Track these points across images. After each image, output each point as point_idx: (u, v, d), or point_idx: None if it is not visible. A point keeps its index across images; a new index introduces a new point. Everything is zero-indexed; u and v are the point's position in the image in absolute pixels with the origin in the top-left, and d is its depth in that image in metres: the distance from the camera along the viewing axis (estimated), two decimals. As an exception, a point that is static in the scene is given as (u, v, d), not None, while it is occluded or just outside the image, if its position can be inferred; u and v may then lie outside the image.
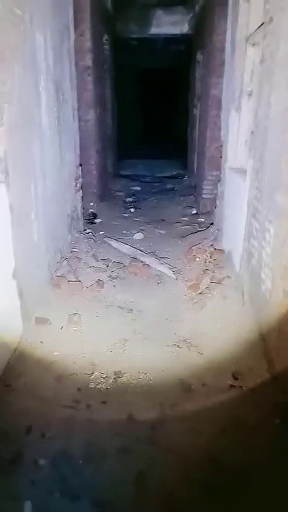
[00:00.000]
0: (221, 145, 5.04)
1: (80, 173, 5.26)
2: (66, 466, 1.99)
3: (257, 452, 2.01)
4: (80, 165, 5.28)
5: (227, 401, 2.44)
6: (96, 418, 2.31)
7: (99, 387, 2.60)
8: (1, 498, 1.80)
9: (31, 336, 3.06)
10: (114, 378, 2.69)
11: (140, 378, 2.69)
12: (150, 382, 2.65)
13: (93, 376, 2.70)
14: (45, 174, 3.66)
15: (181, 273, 4.39)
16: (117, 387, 2.60)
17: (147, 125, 16.23)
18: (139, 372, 2.74)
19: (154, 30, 9.50)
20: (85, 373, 2.72)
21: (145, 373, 2.73)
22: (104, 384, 2.63)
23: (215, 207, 5.54)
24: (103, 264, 4.49)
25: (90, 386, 2.61)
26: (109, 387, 2.61)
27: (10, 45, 2.82)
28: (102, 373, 2.72)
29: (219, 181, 5.23)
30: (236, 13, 4.37)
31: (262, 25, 3.40)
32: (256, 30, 3.85)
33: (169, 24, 9.51)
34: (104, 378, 2.69)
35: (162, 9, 9.34)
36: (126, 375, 2.72)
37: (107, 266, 4.46)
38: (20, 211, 2.98)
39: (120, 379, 2.68)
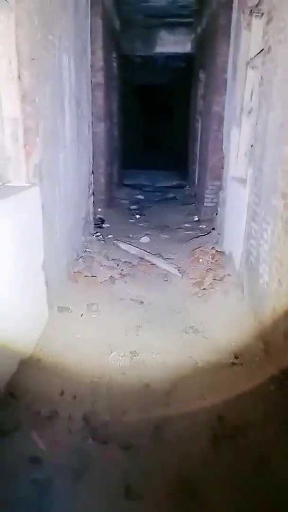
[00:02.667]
0: (223, 157, 5.50)
1: (92, 180, 5.70)
2: (94, 421, 2.36)
3: (255, 410, 2.40)
4: (92, 173, 5.72)
5: (229, 374, 2.83)
6: (118, 386, 2.69)
7: (117, 363, 2.99)
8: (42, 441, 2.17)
9: (55, 321, 3.45)
10: (131, 357, 3.07)
11: (153, 357, 3.08)
12: (162, 360, 3.04)
13: (111, 355, 3.08)
14: (66, 180, 4.09)
15: (185, 272, 4.81)
16: (134, 364, 2.99)
17: (149, 138, 16.80)
18: (152, 352, 3.13)
19: (158, 49, 10.11)
20: (105, 352, 3.11)
21: (158, 353, 3.12)
22: (122, 361, 3.02)
23: (216, 214, 5.99)
24: (114, 263, 4.90)
25: (110, 362, 3.00)
26: (126, 363, 2.99)
27: (44, 68, 3.27)
28: (119, 353, 3.11)
29: (220, 189, 5.68)
30: (238, 39, 4.87)
31: (261, 52, 3.88)
32: (256, 55, 4.35)
33: (172, 44, 10.11)
34: (121, 356, 3.07)
35: (165, 29, 9.93)
36: (141, 354, 3.10)
37: (118, 265, 4.87)
38: (48, 211, 3.40)
39: (135, 357, 3.07)
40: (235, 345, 3.19)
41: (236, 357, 3.04)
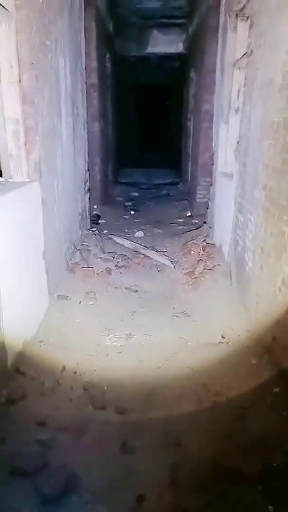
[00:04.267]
0: (213, 153, 5.76)
1: (88, 178, 5.94)
2: (93, 391, 2.61)
3: (236, 380, 2.66)
4: (88, 170, 5.96)
5: (215, 351, 3.09)
6: (114, 362, 2.95)
7: (114, 344, 3.24)
8: (46, 408, 2.42)
9: (55, 308, 3.70)
10: (126, 338, 3.33)
11: (147, 338, 3.34)
12: (156, 340, 3.30)
13: (108, 337, 3.34)
14: (64, 176, 4.33)
15: (178, 263, 5.07)
16: (129, 344, 3.25)
17: (143, 136, 17.04)
18: (146, 334, 3.39)
19: (151, 49, 10.34)
20: (102, 335, 3.36)
21: (151, 335, 3.38)
22: (118, 342, 3.27)
23: (207, 209, 6.25)
24: (110, 255, 5.15)
25: (107, 343, 3.25)
26: (122, 344, 3.25)
27: (42, 70, 3.50)
28: (116, 335, 3.36)
29: (211, 185, 5.94)
30: (225, 41, 5.13)
31: (246, 54, 4.14)
32: (241, 57, 4.60)
33: (165, 44, 10.35)
34: (117, 338, 3.33)
35: (158, 29, 10.16)
36: (135, 336, 3.36)
37: (113, 257, 5.12)
38: (47, 204, 3.64)
39: (131, 339, 3.33)
40: (222, 327, 3.44)
41: (223, 337, 3.29)
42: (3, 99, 3.10)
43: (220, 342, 3.25)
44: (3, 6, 2.85)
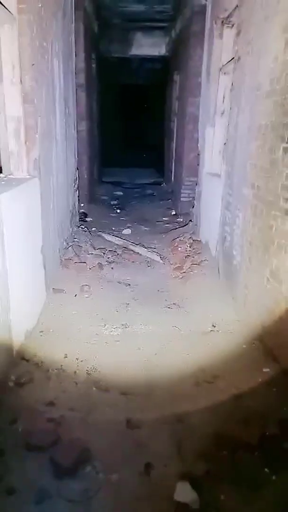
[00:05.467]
0: (199, 154, 5.99)
1: (77, 176, 6.07)
2: (96, 375, 2.78)
3: (229, 364, 2.89)
4: (77, 169, 6.09)
5: (208, 338, 3.30)
6: (113, 349, 3.12)
7: (111, 333, 3.41)
8: (53, 391, 2.57)
9: (52, 301, 3.84)
10: (122, 328, 3.50)
11: (142, 328, 3.51)
12: (150, 329, 3.48)
13: (105, 327, 3.50)
14: (58, 173, 4.46)
15: (166, 259, 5.27)
16: (126, 333, 3.41)
17: (127, 136, 17.20)
18: (141, 324, 3.57)
19: (134, 51, 10.53)
20: (99, 325, 3.52)
21: (146, 325, 3.55)
22: (115, 331, 3.44)
23: (192, 207, 6.48)
24: (101, 251, 5.30)
25: (104, 333, 3.41)
26: (119, 333, 3.42)
27: (40, 71, 3.63)
28: (112, 325, 3.53)
29: (196, 184, 6.17)
30: (211, 47, 5.37)
31: (232, 60, 4.38)
32: (227, 62, 4.85)
33: (148, 46, 10.55)
34: (114, 328, 3.49)
35: (142, 32, 10.36)
36: (131, 326, 3.53)
37: (104, 253, 5.28)
38: (45, 200, 3.77)
39: (127, 328, 3.50)
40: (212, 317, 3.66)
41: (213, 326, 3.51)
42: (5, 99, 3.22)
43: (211, 331, 3.46)
44: (7, 10, 2.97)
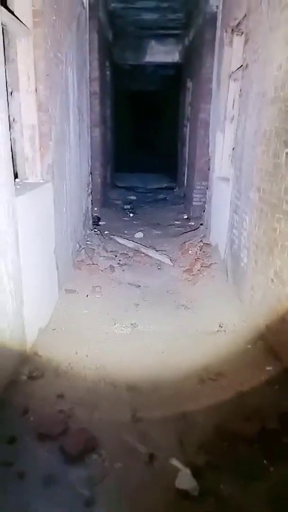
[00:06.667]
0: (209, 159, 6.10)
1: (91, 180, 6.24)
2: (104, 371, 2.89)
3: (234, 362, 2.96)
4: (90, 173, 6.26)
5: (214, 338, 3.39)
6: (122, 347, 3.23)
7: (121, 332, 3.53)
8: (63, 384, 2.69)
9: (64, 301, 3.98)
10: (131, 327, 3.61)
11: (151, 327, 3.63)
12: (158, 329, 3.59)
13: (115, 326, 3.62)
14: (71, 178, 4.62)
15: (177, 261, 5.37)
16: (135, 332, 3.53)
17: (140, 142, 17.43)
18: (150, 324, 3.68)
19: (148, 58, 10.71)
20: (109, 324, 3.64)
21: (154, 324, 3.66)
22: (125, 330, 3.55)
23: (203, 211, 6.57)
24: (112, 254, 5.44)
25: (114, 331, 3.53)
26: (128, 332, 3.53)
27: (55, 81, 3.80)
28: (122, 324, 3.65)
29: (207, 188, 6.27)
30: (221, 54, 5.48)
31: (241, 67, 4.48)
32: (236, 69, 4.95)
33: (161, 53, 10.73)
34: (123, 327, 3.61)
35: (155, 39, 10.55)
36: (140, 325, 3.65)
37: (116, 256, 5.41)
38: (58, 204, 3.92)
39: (136, 328, 3.61)
40: (219, 318, 3.74)
41: (220, 326, 3.59)
42: (21, 108, 3.39)
43: (218, 331, 3.54)
44: (23, 24, 3.15)
